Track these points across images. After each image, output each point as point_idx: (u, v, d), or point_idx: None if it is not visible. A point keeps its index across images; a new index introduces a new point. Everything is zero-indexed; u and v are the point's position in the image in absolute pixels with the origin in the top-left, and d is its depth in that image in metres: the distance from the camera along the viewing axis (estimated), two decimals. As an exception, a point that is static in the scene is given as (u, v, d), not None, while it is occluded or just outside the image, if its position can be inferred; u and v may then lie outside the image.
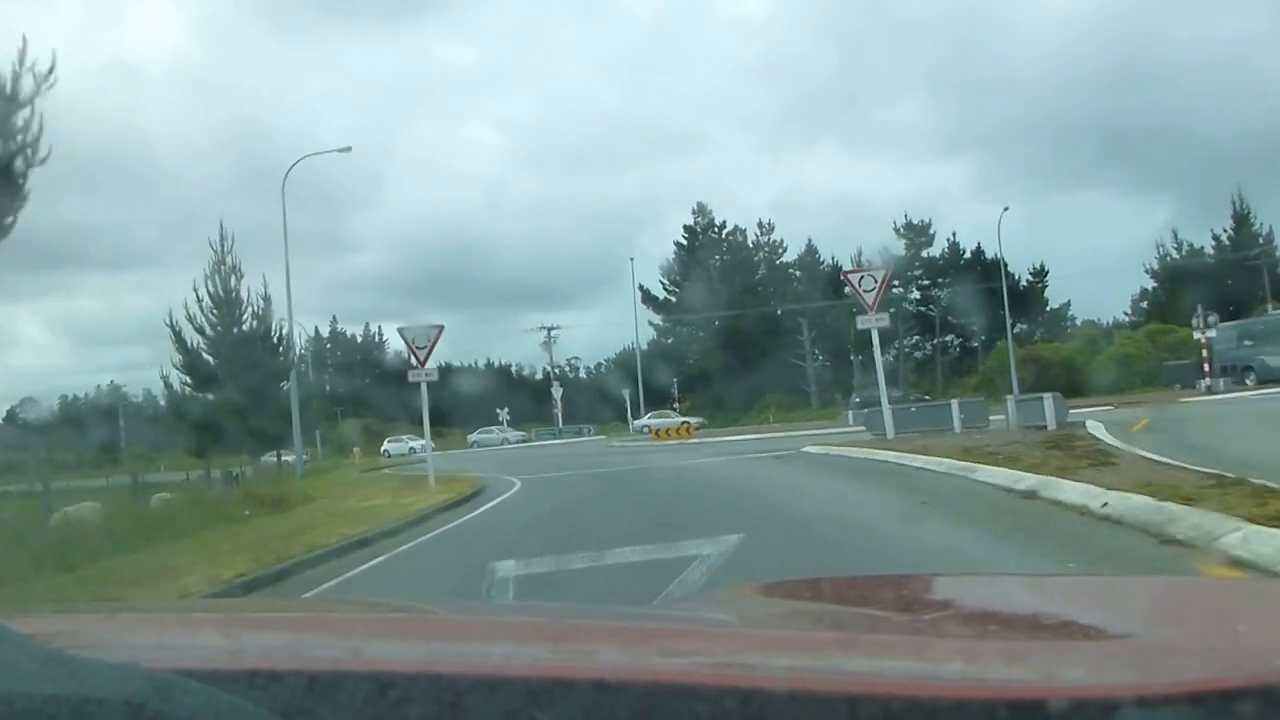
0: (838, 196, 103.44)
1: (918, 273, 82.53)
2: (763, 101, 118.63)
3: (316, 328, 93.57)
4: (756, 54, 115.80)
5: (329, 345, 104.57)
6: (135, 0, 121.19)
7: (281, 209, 42.01)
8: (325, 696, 0.90)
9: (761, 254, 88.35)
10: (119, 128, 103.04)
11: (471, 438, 74.26)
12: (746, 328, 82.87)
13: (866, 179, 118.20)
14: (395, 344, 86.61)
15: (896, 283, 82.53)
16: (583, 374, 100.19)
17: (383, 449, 72.56)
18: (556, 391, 76.26)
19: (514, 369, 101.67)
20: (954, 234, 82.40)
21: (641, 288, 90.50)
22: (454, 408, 74.18)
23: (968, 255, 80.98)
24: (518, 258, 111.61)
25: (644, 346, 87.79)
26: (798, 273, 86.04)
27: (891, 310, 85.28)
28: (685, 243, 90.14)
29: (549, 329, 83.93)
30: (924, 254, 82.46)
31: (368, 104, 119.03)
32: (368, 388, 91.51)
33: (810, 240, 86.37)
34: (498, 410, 77.60)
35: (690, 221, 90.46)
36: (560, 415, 76.48)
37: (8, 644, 0.86)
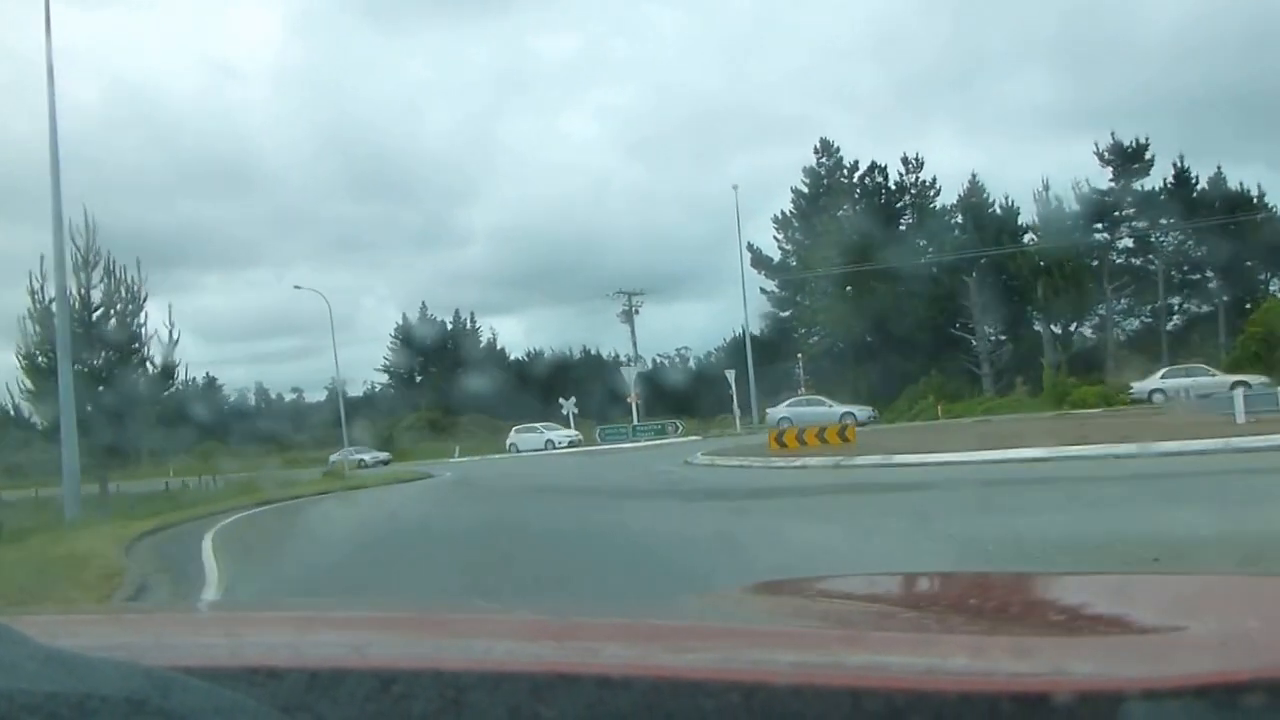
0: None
1: (1129, 212, 56.69)
2: (874, 80, 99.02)
3: (405, 314, 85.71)
4: (865, 30, 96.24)
5: (417, 333, 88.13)
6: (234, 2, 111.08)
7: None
8: (326, 693, 0.86)
9: (907, 197, 63.34)
10: (225, 127, 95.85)
11: (510, 439, 53.75)
12: (889, 292, 58.29)
13: (989, 159, 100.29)
14: (485, 332, 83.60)
15: (1099, 225, 57.17)
16: (692, 364, 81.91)
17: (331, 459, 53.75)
18: (630, 374, 52.62)
19: (608, 356, 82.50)
20: (1181, 159, 56.35)
21: (750, 247, 66.82)
22: (528, 400, 59.83)
23: (1202, 187, 55.10)
24: (621, 248, 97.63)
25: (755, 326, 64.18)
26: (958, 218, 60.71)
27: (1093, 262, 61.14)
28: (806, 189, 66.04)
29: (630, 294, 60.31)
30: (1137, 185, 56.63)
31: (467, 96, 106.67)
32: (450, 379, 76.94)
33: (974, 175, 60.92)
34: (561, 401, 54.49)
35: (811, 162, 65.91)
36: (639, 408, 52.76)
37: (9, 643, 0.82)
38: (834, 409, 46.94)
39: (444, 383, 79.59)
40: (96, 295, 28.04)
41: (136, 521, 20.76)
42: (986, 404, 54.83)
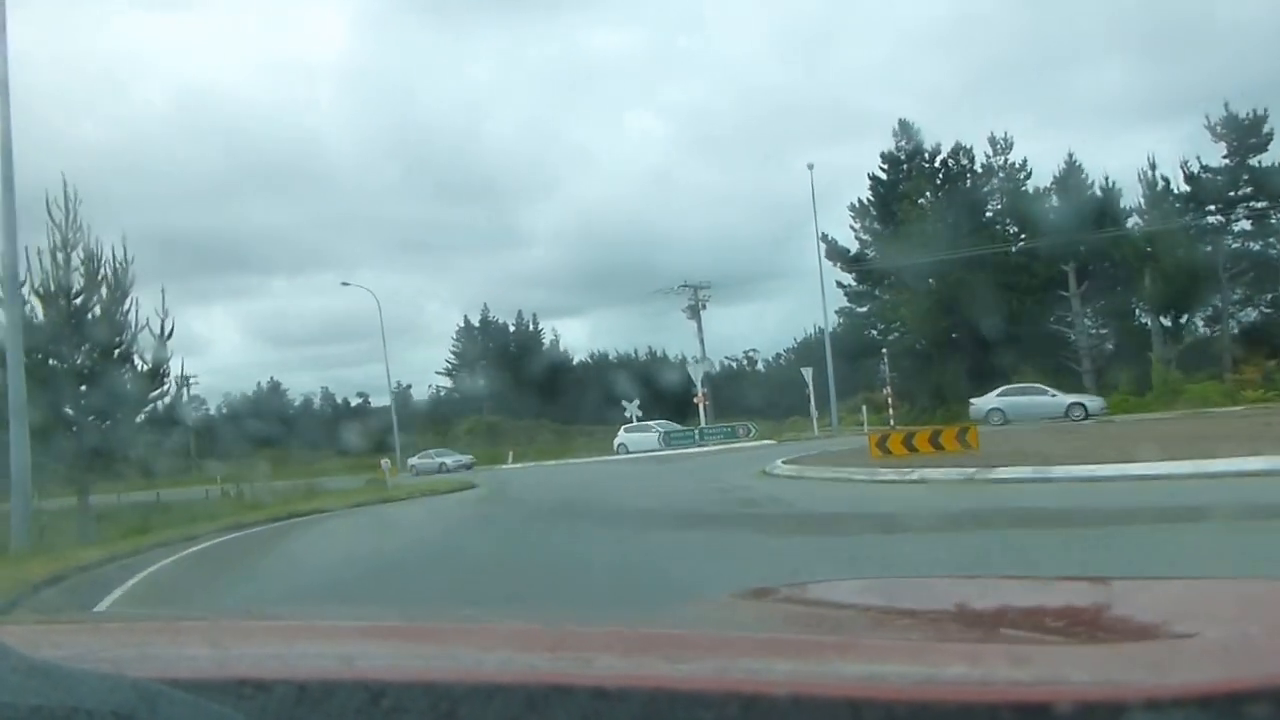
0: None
1: (1246, 191, 50.43)
2: (947, 69, 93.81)
3: (466, 317, 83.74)
4: (936, 18, 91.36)
5: (479, 335, 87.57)
6: (296, 2, 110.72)
7: None
8: (315, 706, 0.85)
9: (995, 180, 57.45)
10: (291, 130, 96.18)
11: (619, 439, 49.54)
12: (977, 283, 52.57)
13: (1080, 141, 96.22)
14: (548, 334, 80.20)
15: (1212, 207, 51.00)
16: (760, 367, 77.03)
17: (410, 463, 52.95)
18: (697, 372, 47.51)
19: (673, 357, 78.88)
20: (1303, 128, 49.92)
21: (825, 238, 61.42)
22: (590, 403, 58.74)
23: (1330, 160, 48.77)
24: (686, 249, 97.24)
25: (830, 323, 58.88)
26: (1053, 201, 54.75)
27: (1207, 247, 54.86)
28: (884, 174, 60.41)
29: (696, 288, 55.19)
30: (1253, 162, 50.32)
31: (531, 95, 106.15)
32: (512, 382, 74.33)
33: (1071, 155, 54.88)
34: (624, 403, 49.71)
35: (889, 147, 60.40)
36: (706, 409, 47.58)
37: None
38: (1059, 398, 41.96)
39: (505, 385, 76.35)
40: (85, 285, 23.54)
41: (87, 549, 16.39)
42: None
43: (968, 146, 58.63)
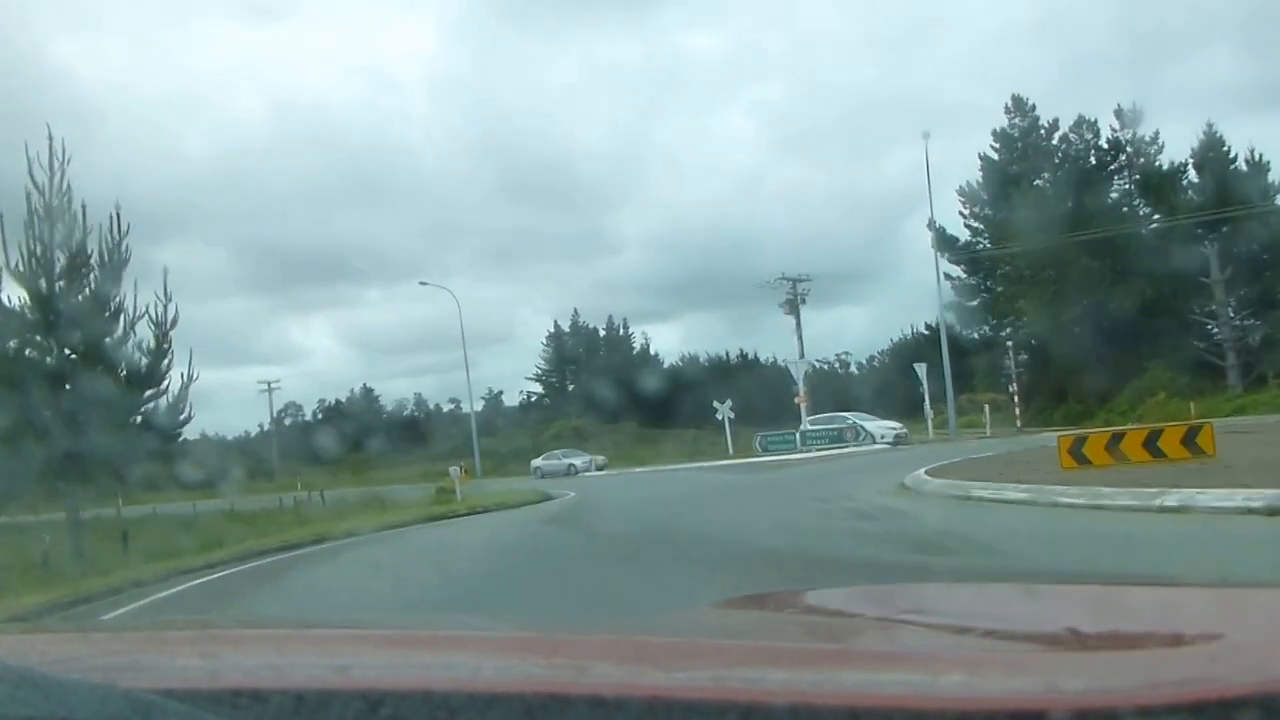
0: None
1: None
2: (1045, 58, 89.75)
3: (555, 321, 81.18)
4: (1028, 12, 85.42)
5: (568, 340, 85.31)
6: (385, 10, 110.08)
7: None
8: (313, 716, 0.83)
9: (1124, 156, 51.03)
10: (383, 140, 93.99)
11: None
12: (1105, 270, 46.55)
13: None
14: (638, 338, 78.20)
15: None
16: (854, 369, 72.36)
17: (534, 465, 47.16)
18: (798, 369, 42.24)
19: (765, 360, 74.74)
20: None
21: (932, 225, 55.65)
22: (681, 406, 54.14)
23: None
24: (777, 251, 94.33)
25: (937, 318, 53.19)
26: (1189, 177, 48.28)
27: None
28: (996, 154, 54.43)
29: (795, 280, 49.82)
30: None
31: (617, 100, 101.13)
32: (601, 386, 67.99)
33: (1210, 125, 48.25)
34: (715, 405, 44.67)
35: (1004, 124, 54.41)
36: (806, 408, 42.11)
37: None
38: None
39: (594, 390, 74.14)
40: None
41: None
42: (1237, 401, 42.64)
43: (1091, 119, 52.45)
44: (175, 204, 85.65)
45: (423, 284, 57.52)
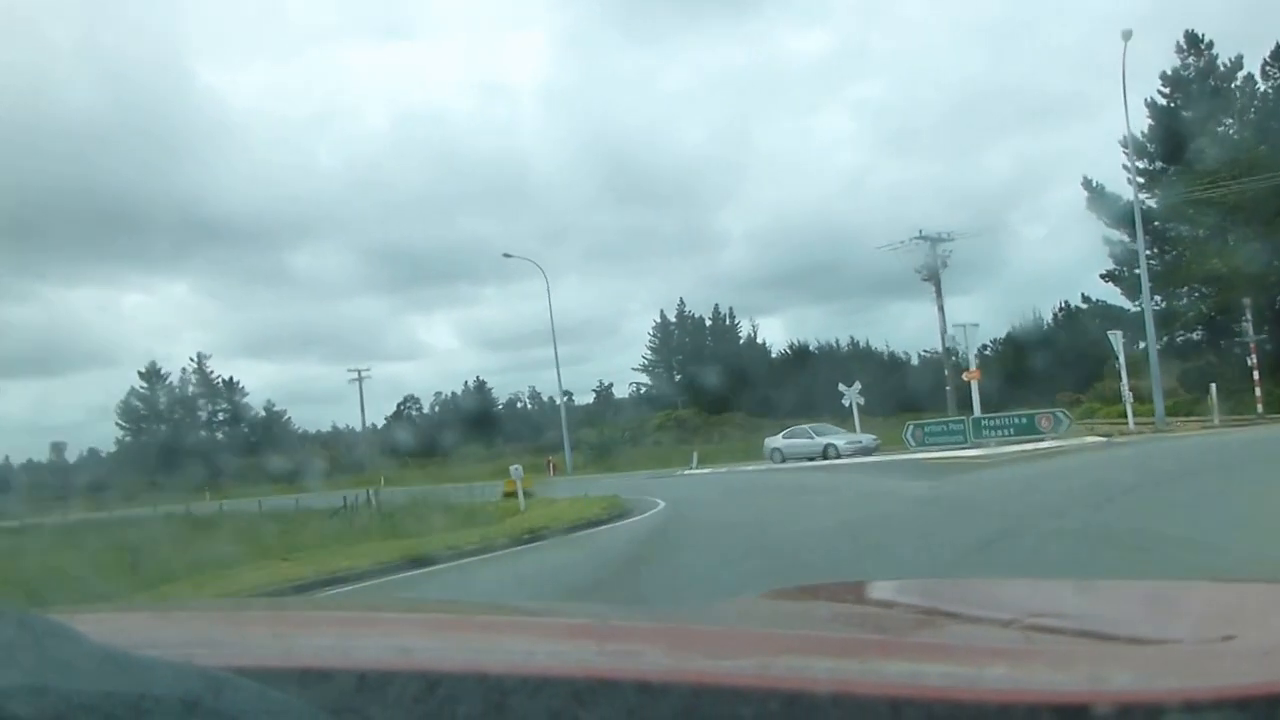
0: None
1: None
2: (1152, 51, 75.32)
3: (662, 312, 77.09)
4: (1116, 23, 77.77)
5: (675, 330, 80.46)
6: (500, 25, 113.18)
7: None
8: (375, 695, 0.84)
9: (1339, 89, 39.87)
10: (497, 146, 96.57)
11: (772, 443, 34.36)
12: None
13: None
14: (745, 328, 73.43)
15: None
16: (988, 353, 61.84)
17: (771, 446, 35.16)
18: (970, 337, 31.98)
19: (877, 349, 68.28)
20: None
21: (1088, 184, 45.26)
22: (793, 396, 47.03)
23: None
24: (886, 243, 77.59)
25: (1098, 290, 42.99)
26: None
27: None
28: (1165, 99, 43.76)
29: (934, 240, 39.87)
30: None
31: (721, 100, 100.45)
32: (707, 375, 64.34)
33: None
34: (841, 389, 35.24)
35: (1175, 65, 43.77)
36: (978, 392, 31.49)
37: (67, 642, 0.81)
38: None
39: (700, 380, 66.69)
40: None
41: None
42: None
43: (1294, 46, 41.26)
44: (308, 214, 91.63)
45: (507, 256, 49.47)
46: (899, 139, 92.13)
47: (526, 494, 26.30)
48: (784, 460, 31.60)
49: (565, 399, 79.79)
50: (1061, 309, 57.67)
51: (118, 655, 0.78)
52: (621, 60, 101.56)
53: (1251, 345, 30.96)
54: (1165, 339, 38.35)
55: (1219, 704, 0.73)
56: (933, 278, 40.13)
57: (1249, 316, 31.41)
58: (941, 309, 40.04)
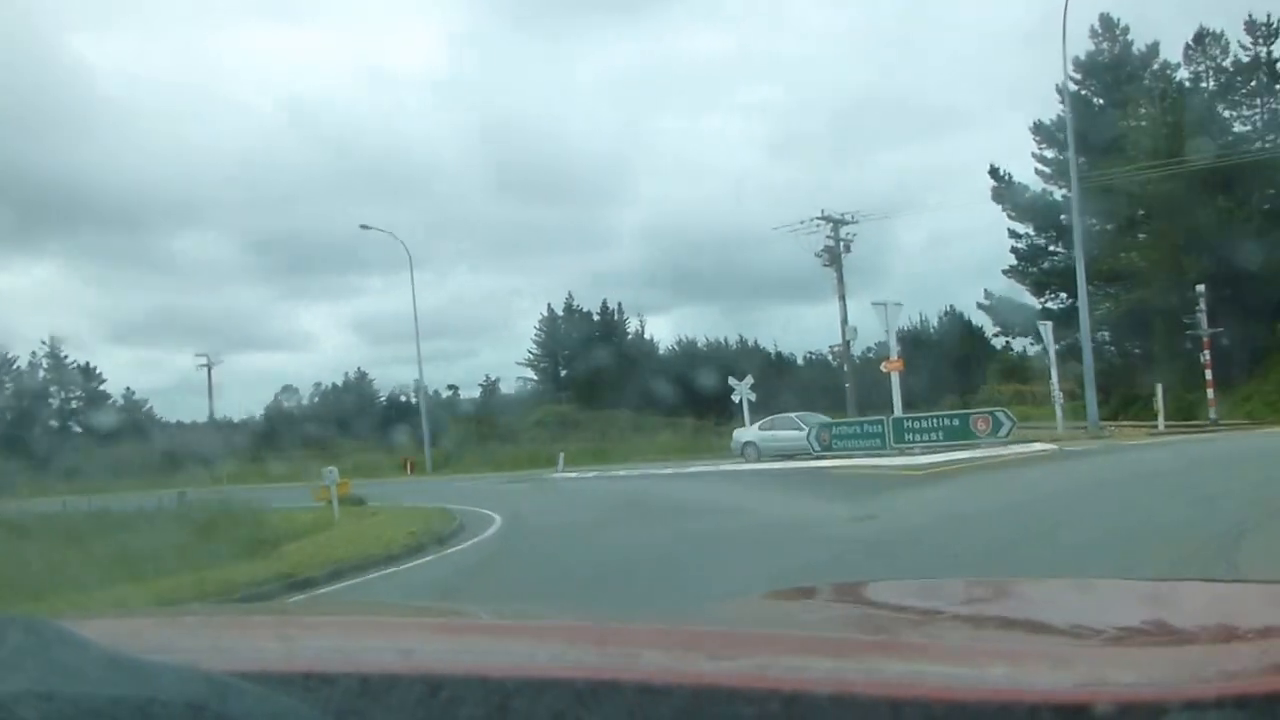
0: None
1: None
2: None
3: (549, 305, 72.78)
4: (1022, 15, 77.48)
5: (562, 325, 75.43)
6: (392, 12, 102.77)
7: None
8: (377, 698, 0.83)
9: (1261, 78, 36.61)
10: (386, 135, 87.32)
11: (743, 435, 27.81)
12: (1231, 220, 32.26)
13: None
14: (634, 324, 71.13)
15: None
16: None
17: (741, 440, 28.37)
18: (891, 315, 26.09)
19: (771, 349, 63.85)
20: None
21: (995, 173, 41.69)
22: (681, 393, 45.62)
23: None
24: (774, 246, 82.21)
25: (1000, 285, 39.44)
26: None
27: None
28: (1078, 85, 40.26)
29: (837, 222, 35.26)
30: None
31: (616, 96, 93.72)
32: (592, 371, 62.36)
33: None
34: (732, 383, 30.48)
35: (1089, 49, 40.40)
36: (899, 387, 25.71)
37: (73, 647, 0.80)
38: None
39: (585, 375, 64.05)
40: None
41: None
42: None
43: (1216, 32, 37.97)
44: (187, 196, 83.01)
45: (364, 228, 43.29)
46: (794, 141, 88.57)
47: (354, 502, 20.97)
48: (759, 458, 25.05)
49: (452, 392, 74.86)
50: (947, 313, 54.49)
51: (123, 660, 0.78)
52: (516, 53, 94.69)
53: (1205, 341, 27.12)
54: (1063, 343, 34.51)
55: (1220, 703, 0.72)
56: (834, 262, 35.47)
57: (1203, 307, 27.52)
58: (843, 297, 35.47)
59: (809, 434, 22.99)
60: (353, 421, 58.56)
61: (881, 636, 1.27)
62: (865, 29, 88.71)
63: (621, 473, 25.56)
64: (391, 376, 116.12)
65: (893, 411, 21.60)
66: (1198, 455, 16.56)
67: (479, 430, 48.87)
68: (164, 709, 0.72)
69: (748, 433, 27.27)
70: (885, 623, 1.45)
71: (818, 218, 36.42)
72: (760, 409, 34.04)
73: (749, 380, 31.55)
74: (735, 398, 31.62)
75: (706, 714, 0.77)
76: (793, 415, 26.68)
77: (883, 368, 24.64)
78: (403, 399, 75.86)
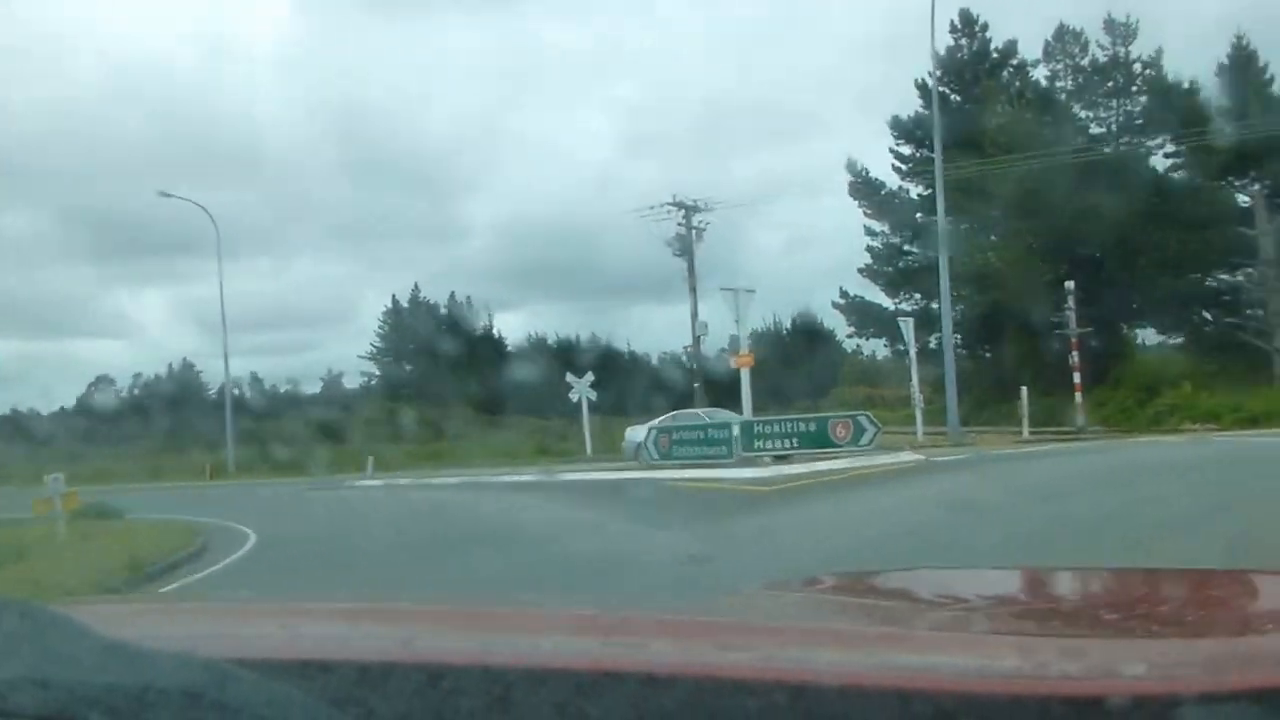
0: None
1: None
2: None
3: (394, 296, 66.97)
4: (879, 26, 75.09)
5: (408, 318, 70.01)
6: None
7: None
8: (376, 687, 0.82)
9: (1119, 79, 35.86)
10: (227, 111, 78.75)
11: (637, 436, 22.49)
12: (1092, 221, 31.26)
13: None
14: (483, 317, 65.49)
15: None
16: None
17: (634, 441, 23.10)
18: (742, 303, 22.23)
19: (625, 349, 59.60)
20: None
21: (854, 169, 40.05)
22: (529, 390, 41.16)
23: None
24: (631, 245, 75.51)
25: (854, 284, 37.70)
26: (1220, 100, 33.40)
27: None
28: (938, 80, 38.70)
29: (689, 208, 32.68)
30: None
31: (472, 86, 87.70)
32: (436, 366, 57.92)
33: (1240, 37, 33.67)
34: (569, 379, 27.37)
35: (949, 44, 39.15)
36: (749, 386, 22.44)
37: (70, 634, 0.80)
38: None
39: (428, 370, 58.99)
40: None
41: None
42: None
43: (1076, 29, 37.07)
44: None
45: (164, 195, 38.31)
46: (655, 139, 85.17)
47: (97, 514, 17.37)
48: (658, 458, 20.51)
49: (290, 387, 69.63)
50: (801, 313, 53.00)
51: (120, 647, 0.77)
52: (369, 31, 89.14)
53: (1073, 341, 25.55)
54: (917, 346, 32.86)
55: (1235, 696, 0.71)
56: (685, 251, 32.88)
57: (1071, 305, 25.98)
58: (693, 288, 32.80)
59: (645, 438, 19.94)
60: (164, 417, 53.65)
61: (890, 627, 1.24)
62: (729, 27, 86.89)
63: (438, 480, 22.15)
64: (233, 370, 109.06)
65: (742, 414, 18.82)
66: (1086, 469, 14.39)
67: (306, 429, 44.62)
68: (160, 696, 0.70)
69: (642, 432, 22.47)
70: (893, 613, 1.42)
71: (669, 203, 33.78)
72: (610, 411, 31.39)
73: (589, 378, 28.64)
74: (573, 396, 28.65)
75: (711, 706, 0.75)
76: (699, 412, 22.96)
77: (731, 363, 21.75)
78: (236, 393, 70.65)
